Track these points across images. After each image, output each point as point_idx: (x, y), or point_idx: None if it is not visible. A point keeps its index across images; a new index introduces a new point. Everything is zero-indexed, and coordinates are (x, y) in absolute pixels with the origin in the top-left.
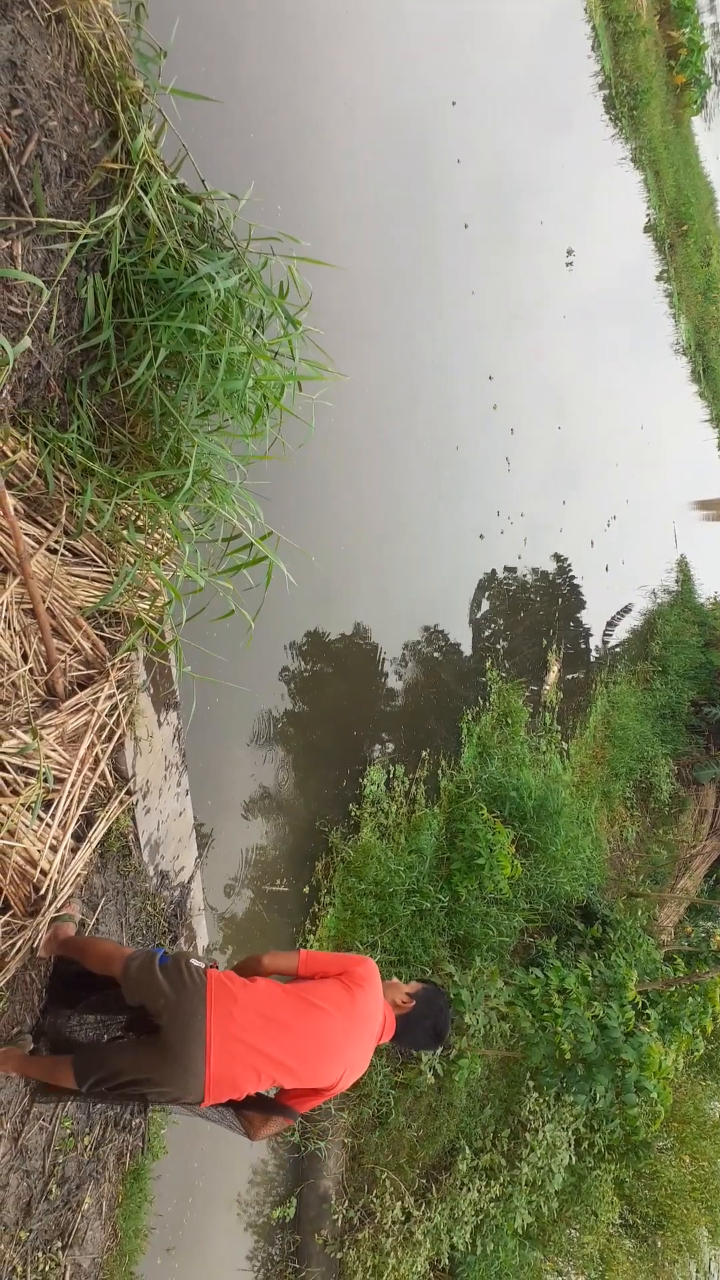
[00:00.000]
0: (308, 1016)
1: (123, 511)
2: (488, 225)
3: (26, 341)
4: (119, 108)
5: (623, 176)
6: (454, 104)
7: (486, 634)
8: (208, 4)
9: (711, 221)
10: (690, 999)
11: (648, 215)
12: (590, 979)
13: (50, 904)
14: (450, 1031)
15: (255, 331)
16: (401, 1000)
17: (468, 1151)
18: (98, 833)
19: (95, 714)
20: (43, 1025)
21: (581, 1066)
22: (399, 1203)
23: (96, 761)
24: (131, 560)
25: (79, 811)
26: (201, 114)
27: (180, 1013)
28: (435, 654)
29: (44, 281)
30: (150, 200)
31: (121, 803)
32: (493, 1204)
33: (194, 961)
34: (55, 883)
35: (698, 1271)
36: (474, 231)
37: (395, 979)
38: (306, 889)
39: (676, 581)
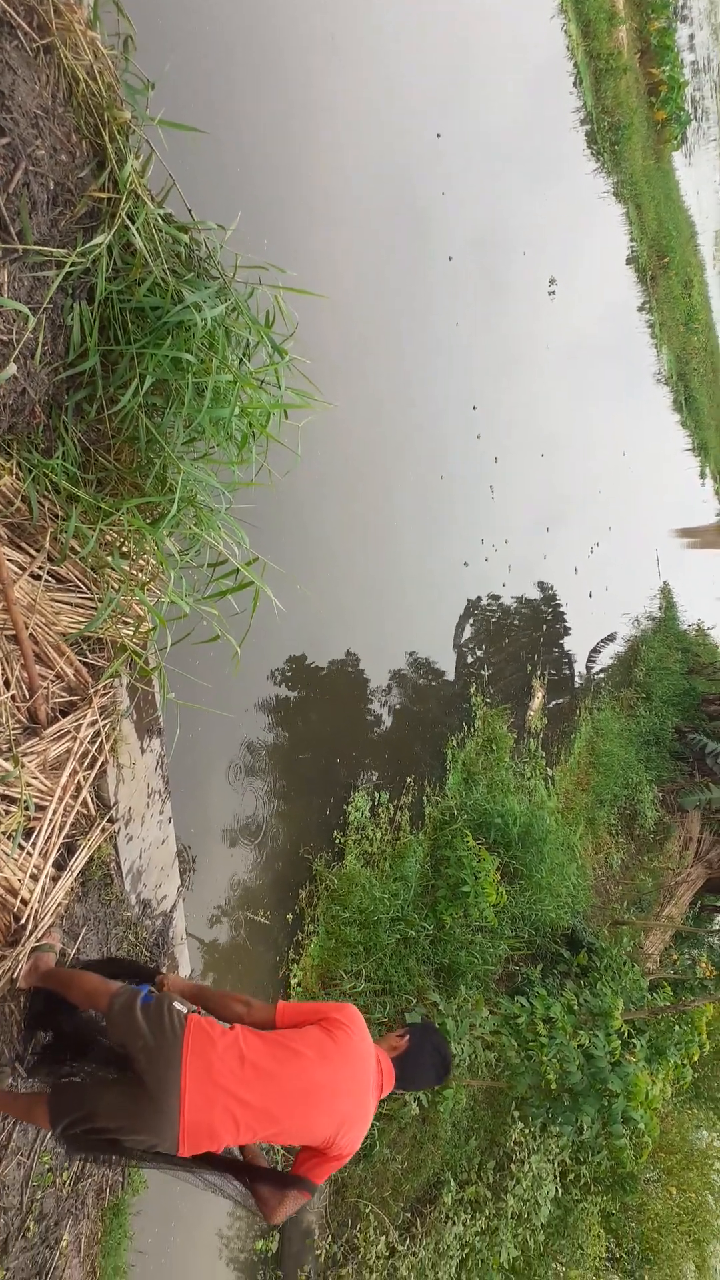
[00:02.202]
0: (288, 1063)
1: (107, 538)
2: (471, 257)
3: (12, 368)
4: (106, 138)
5: (605, 210)
6: (438, 136)
7: (471, 660)
8: (196, 37)
9: (692, 254)
10: (677, 1028)
11: (630, 248)
12: (576, 1007)
13: (31, 933)
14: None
15: (241, 360)
16: (394, 1044)
17: (453, 1184)
18: (79, 861)
19: (77, 741)
20: (20, 1052)
21: (567, 1096)
22: (383, 1237)
23: (78, 789)
24: (116, 586)
25: (60, 839)
26: (189, 145)
27: (157, 1057)
28: (420, 680)
29: (30, 308)
30: (137, 229)
31: (103, 830)
32: (478, 1237)
33: (177, 1006)
34: (36, 912)
35: None
36: (458, 263)
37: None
38: (290, 917)
39: (659, 608)
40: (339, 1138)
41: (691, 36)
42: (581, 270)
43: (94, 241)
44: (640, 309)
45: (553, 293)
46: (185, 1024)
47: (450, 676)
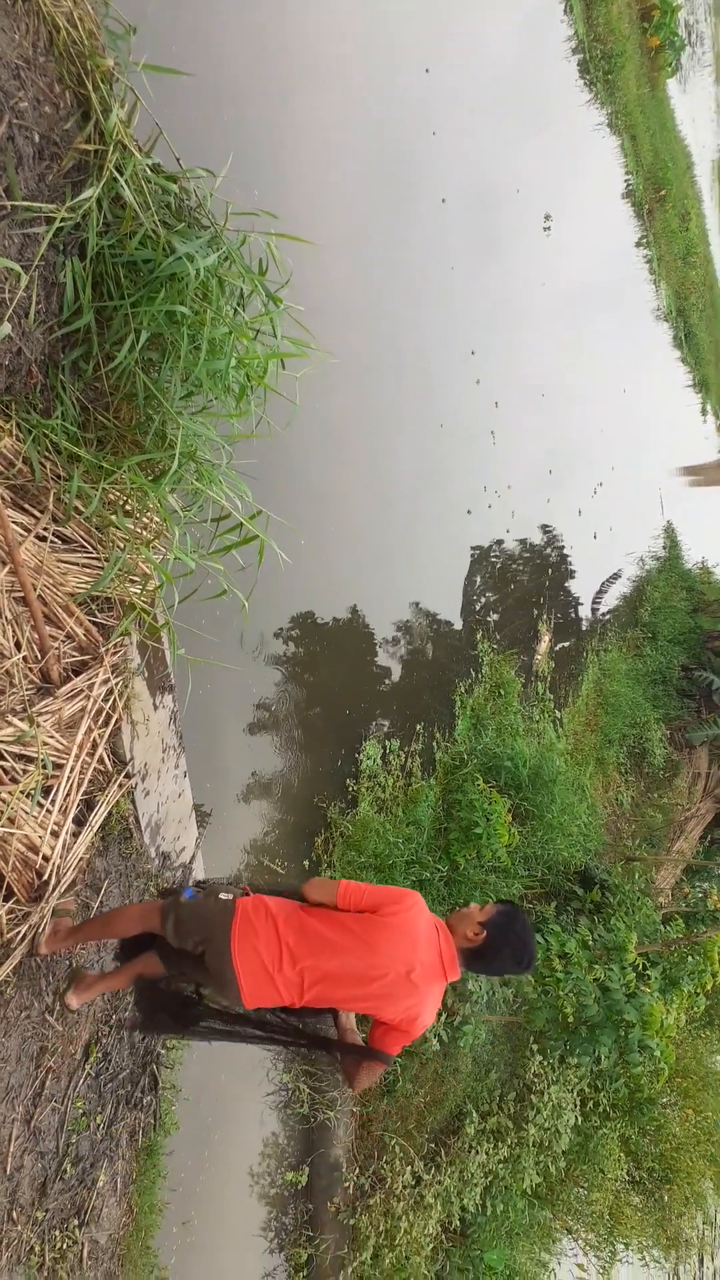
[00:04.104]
0: (322, 950)
1: (110, 496)
2: (465, 197)
3: (6, 327)
4: (90, 87)
5: (599, 143)
6: (427, 71)
7: (477, 607)
8: None
9: (689, 185)
10: (690, 958)
11: (625, 181)
12: (590, 943)
13: (54, 889)
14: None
15: (236, 310)
16: (472, 934)
17: (474, 1115)
18: (98, 817)
19: (91, 699)
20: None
21: (584, 1029)
22: (409, 1168)
23: (94, 746)
24: (121, 545)
25: (79, 796)
26: (174, 92)
27: (211, 945)
28: (427, 629)
29: (21, 266)
30: (126, 181)
31: (121, 786)
32: (501, 1165)
33: (223, 895)
34: (58, 868)
35: (704, 1223)
36: (451, 205)
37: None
38: (306, 864)
39: (664, 547)
40: (385, 1012)
41: None
42: (577, 206)
43: (83, 195)
44: (638, 244)
45: (548, 229)
46: (233, 911)
47: (456, 624)
